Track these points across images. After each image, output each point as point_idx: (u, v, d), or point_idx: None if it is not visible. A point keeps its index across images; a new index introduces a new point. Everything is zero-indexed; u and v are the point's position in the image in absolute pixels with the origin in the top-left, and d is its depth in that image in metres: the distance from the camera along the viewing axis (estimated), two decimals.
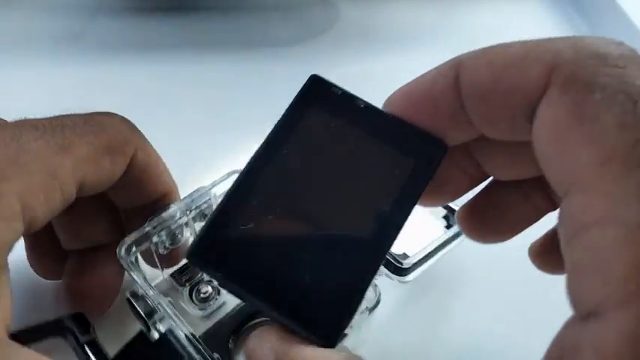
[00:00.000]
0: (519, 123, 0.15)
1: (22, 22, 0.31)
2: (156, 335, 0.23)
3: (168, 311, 0.22)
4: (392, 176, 0.17)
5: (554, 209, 0.20)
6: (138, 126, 0.24)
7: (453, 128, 0.17)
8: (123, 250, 0.23)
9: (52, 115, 0.21)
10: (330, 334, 0.15)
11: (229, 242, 0.16)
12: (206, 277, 0.16)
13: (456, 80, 0.16)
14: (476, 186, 0.20)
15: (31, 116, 0.20)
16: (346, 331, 0.16)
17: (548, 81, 0.14)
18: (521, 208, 0.20)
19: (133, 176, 0.23)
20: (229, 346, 0.26)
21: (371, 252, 0.16)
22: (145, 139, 0.24)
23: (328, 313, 0.15)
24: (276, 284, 0.15)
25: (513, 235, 0.20)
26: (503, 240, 0.21)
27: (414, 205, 0.17)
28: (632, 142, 0.12)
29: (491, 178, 0.20)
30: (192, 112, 0.30)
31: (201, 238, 0.16)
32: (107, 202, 0.24)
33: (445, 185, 0.19)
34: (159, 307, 0.22)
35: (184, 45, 0.40)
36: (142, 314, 0.22)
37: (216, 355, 0.22)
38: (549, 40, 0.15)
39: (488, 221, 0.20)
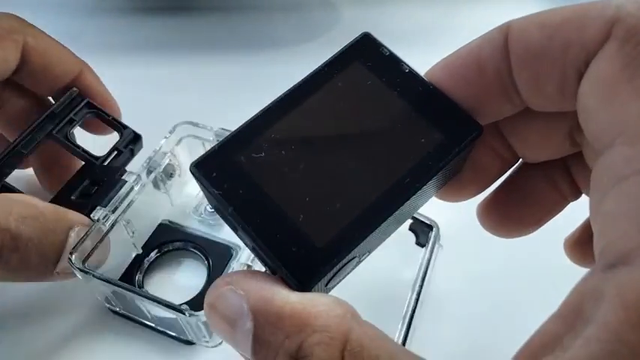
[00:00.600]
0: (569, 85, 0.15)
1: None
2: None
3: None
4: (416, 145, 0.16)
5: (579, 197, 0.19)
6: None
7: (497, 98, 0.16)
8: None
9: None
10: (305, 278, 0.14)
11: (236, 164, 0.15)
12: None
13: (505, 44, 0.15)
14: (506, 171, 0.19)
15: None
16: (329, 286, 0.16)
17: (607, 35, 0.14)
18: (547, 196, 0.19)
19: (34, 62, 0.25)
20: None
21: (370, 214, 0.15)
22: (39, 30, 0.25)
23: (311, 259, 0.14)
24: (268, 217, 0.15)
25: (538, 227, 0.20)
26: (527, 233, 0.20)
27: (431, 179, 0.16)
28: None
29: (508, 175, 0.20)
30: (192, 113, 0.29)
31: (211, 152, 0.16)
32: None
33: (478, 170, 0.19)
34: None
35: (184, 45, 0.39)
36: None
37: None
38: None
39: (512, 213, 0.20)
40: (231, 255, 0.28)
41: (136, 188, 0.27)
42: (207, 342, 0.25)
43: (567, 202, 0.19)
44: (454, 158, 0.16)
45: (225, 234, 0.30)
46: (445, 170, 0.16)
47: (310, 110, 0.16)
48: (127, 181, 0.27)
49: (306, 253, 0.14)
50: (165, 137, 0.29)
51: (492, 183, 0.20)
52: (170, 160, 0.29)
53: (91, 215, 0.25)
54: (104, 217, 0.25)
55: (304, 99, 0.16)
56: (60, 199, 0.26)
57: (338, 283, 0.16)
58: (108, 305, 0.26)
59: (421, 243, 0.27)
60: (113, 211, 0.26)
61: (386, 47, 0.17)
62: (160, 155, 0.28)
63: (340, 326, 0.13)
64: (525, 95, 0.16)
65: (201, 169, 0.15)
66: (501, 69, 0.16)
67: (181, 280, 0.28)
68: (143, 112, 0.29)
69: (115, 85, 0.29)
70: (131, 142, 0.29)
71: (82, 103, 0.29)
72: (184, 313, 0.22)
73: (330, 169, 0.16)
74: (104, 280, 0.23)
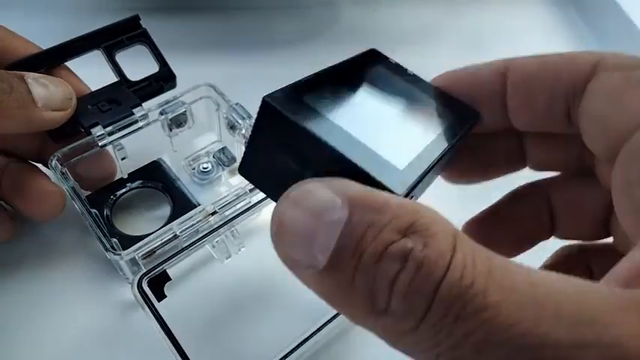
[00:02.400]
0: (555, 111, 0.18)
1: (22, 22, 0.29)
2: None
3: None
4: (440, 117, 0.19)
5: (550, 237, 0.22)
6: None
7: (486, 112, 0.19)
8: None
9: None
10: (399, 187, 0.15)
11: (306, 101, 0.16)
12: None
13: (504, 70, 0.19)
14: (507, 173, 0.22)
15: None
16: None
17: (593, 69, 0.17)
18: (529, 225, 0.22)
19: None
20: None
21: (426, 154, 0.17)
22: None
23: (398, 175, 0.15)
24: (344, 141, 0.15)
25: (517, 253, 0.22)
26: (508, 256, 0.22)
27: (450, 147, 0.18)
28: None
29: (496, 201, 0.22)
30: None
31: (282, 89, 0.16)
32: None
33: (483, 163, 0.21)
34: None
35: (184, 46, 0.38)
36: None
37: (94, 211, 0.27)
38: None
39: (494, 236, 0.22)
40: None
41: (140, 124, 0.29)
42: (126, 278, 0.27)
43: (544, 238, 0.22)
44: (460, 140, 0.18)
45: (203, 193, 0.32)
46: (452, 150, 0.18)
47: (356, 77, 0.19)
48: (134, 114, 0.29)
49: (392, 171, 0.15)
50: (189, 91, 0.31)
51: (490, 178, 0.22)
52: (185, 111, 0.31)
53: (91, 130, 0.28)
54: (99, 136, 0.28)
55: (348, 72, 0.19)
56: (80, 102, 0.29)
57: None
58: None
59: None
60: (110, 134, 0.28)
61: (391, 59, 0.21)
62: (177, 103, 0.31)
63: (449, 223, 0.13)
64: (515, 116, 0.19)
65: (275, 100, 0.16)
66: (496, 90, 0.19)
67: (145, 215, 0.31)
68: None
69: None
70: (165, 79, 0.31)
71: (138, 31, 0.31)
72: (107, 249, 0.24)
73: (386, 119, 0.18)
74: (69, 191, 0.26)
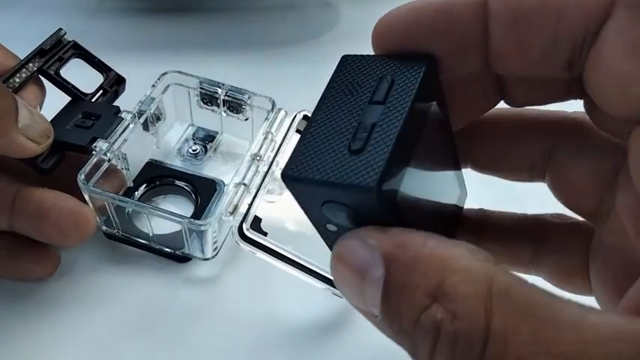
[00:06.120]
0: (556, 58, 0.14)
1: (22, 22, 0.30)
2: None
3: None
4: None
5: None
6: None
7: (459, 57, 0.15)
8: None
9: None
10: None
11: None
12: None
13: (485, 2, 0.15)
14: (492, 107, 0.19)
15: None
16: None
17: (611, 5, 0.13)
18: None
19: None
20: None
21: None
22: None
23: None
24: None
25: None
26: None
27: (405, 115, 0.14)
28: None
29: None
30: None
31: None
32: None
33: (463, 105, 0.18)
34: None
35: (185, 46, 0.39)
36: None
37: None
38: None
39: None
40: (216, 189, 0.32)
41: (131, 126, 0.29)
42: (201, 253, 0.28)
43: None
44: (416, 95, 0.14)
45: (208, 171, 0.33)
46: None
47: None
48: (123, 119, 0.29)
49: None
50: (153, 85, 0.31)
51: (465, 122, 0.19)
52: (158, 105, 0.32)
53: (93, 146, 0.27)
54: (106, 149, 0.28)
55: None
56: (54, 127, 0.27)
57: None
58: (105, 228, 0.29)
59: None
60: (112, 144, 0.28)
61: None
62: (148, 100, 0.31)
63: (484, 269, 0.12)
64: (499, 60, 0.15)
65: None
66: (474, 29, 0.15)
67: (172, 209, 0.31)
68: None
69: None
70: (115, 83, 0.31)
71: (70, 44, 0.31)
72: (185, 219, 0.26)
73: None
74: (112, 196, 0.26)
